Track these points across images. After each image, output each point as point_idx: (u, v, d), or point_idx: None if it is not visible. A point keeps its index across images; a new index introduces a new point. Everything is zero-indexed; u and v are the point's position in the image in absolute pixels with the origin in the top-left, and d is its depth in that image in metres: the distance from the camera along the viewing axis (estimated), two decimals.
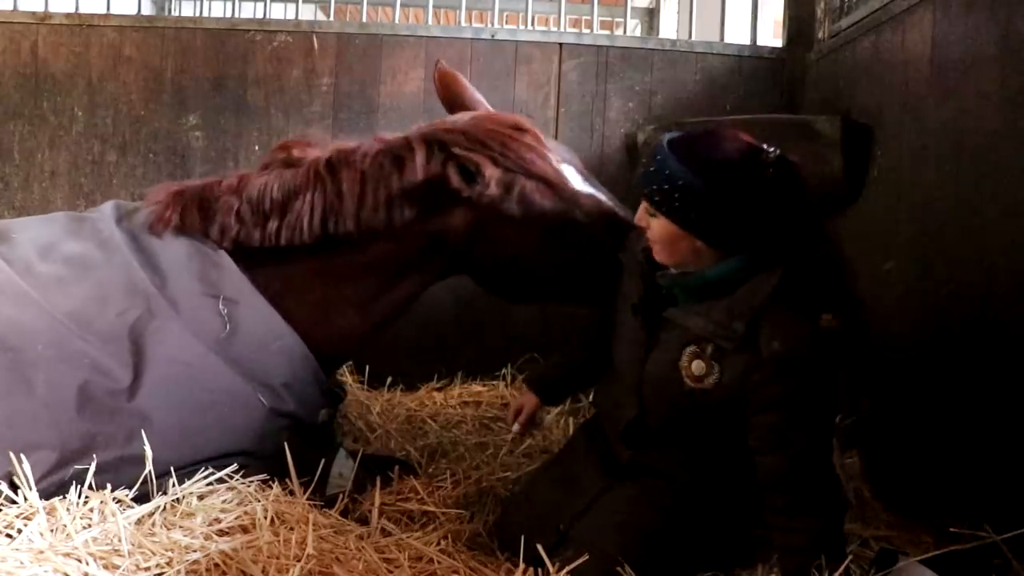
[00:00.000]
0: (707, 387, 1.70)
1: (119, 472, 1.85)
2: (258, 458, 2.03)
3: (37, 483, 1.78)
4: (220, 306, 2.07)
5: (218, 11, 5.65)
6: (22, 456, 1.77)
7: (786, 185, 1.63)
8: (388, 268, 2.23)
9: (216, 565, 1.59)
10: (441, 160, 2.12)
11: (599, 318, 2.11)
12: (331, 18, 3.86)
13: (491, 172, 2.09)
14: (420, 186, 2.12)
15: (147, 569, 1.58)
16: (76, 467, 1.82)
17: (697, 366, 1.69)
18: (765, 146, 1.66)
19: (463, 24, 4.25)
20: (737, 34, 3.95)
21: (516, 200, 2.14)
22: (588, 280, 2.15)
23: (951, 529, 1.81)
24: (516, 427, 2.20)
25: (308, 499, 1.89)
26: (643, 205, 1.76)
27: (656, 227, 1.72)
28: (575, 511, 1.86)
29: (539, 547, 1.70)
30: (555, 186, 2.17)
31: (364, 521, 1.94)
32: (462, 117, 2.28)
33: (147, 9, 3.91)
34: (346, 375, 3.14)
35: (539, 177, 2.15)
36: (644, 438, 1.86)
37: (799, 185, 1.65)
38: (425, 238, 2.19)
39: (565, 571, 1.64)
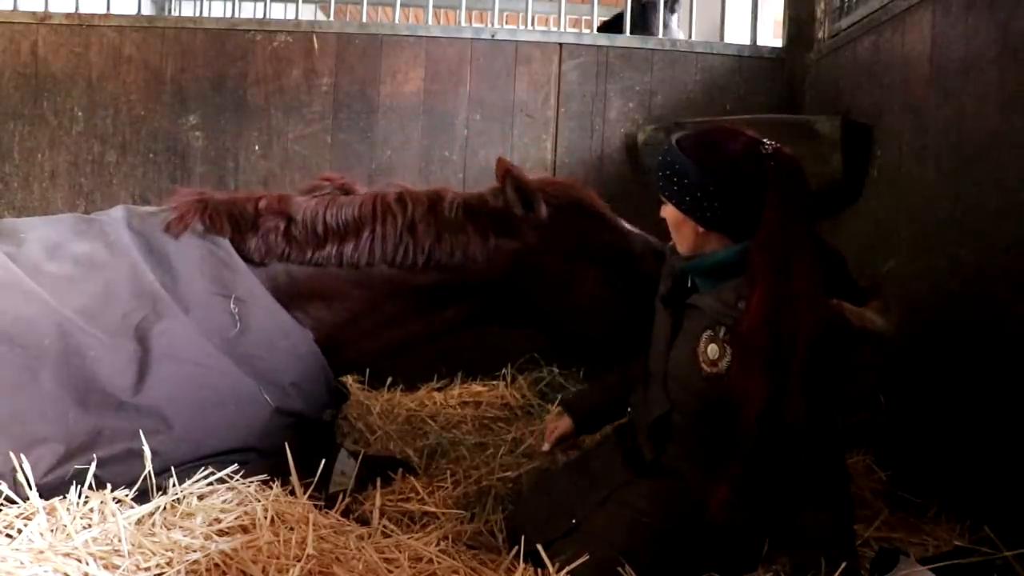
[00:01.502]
0: (721, 371, 1.72)
1: (126, 465, 1.86)
2: (261, 455, 2.04)
3: (44, 476, 1.79)
4: (231, 305, 2.09)
5: (218, 11, 5.66)
6: (22, 456, 1.77)
7: (781, 175, 1.66)
8: (429, 295, 2.26)
9: (216, 565, 1.59)
10: (505, 194, 2.21)
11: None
12: (331, 18, 3.86)
13: (543, 209, 2.21)
14: (487, 232, 2.21)
15: (147, 569, 1.58)
16: (82, 461, 1.83)
17: (712, 350, 1.73)
18: (765, 140, 1.72)
19: (463, 24, 4.26)
20: (737, 34, 3.95)
21: (571, 234, 2.22)
22: (639, 321, 2.11)
23: (956, 544, 1.82)
24: (546, 446, 2.21)
25: (309, 498, 1.89)
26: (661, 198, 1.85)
27: (667, 214, 1.82)
28: (592, 503, 1.89)
29: (539, 547, 1.70)
30: (608, 221, 2.26)
31: (364, 521, 1.94)
32: None
33: (147, 9, 3.91)
34: (346, 375, 3.14)
35: (593, 214, 2.26)
36: (669, 435, 1.88)
37: (797, 176, 1.69)
38: (475, 277, 2.23)
39: (565, 571, 1.64)
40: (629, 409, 2.11)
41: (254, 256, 2.19)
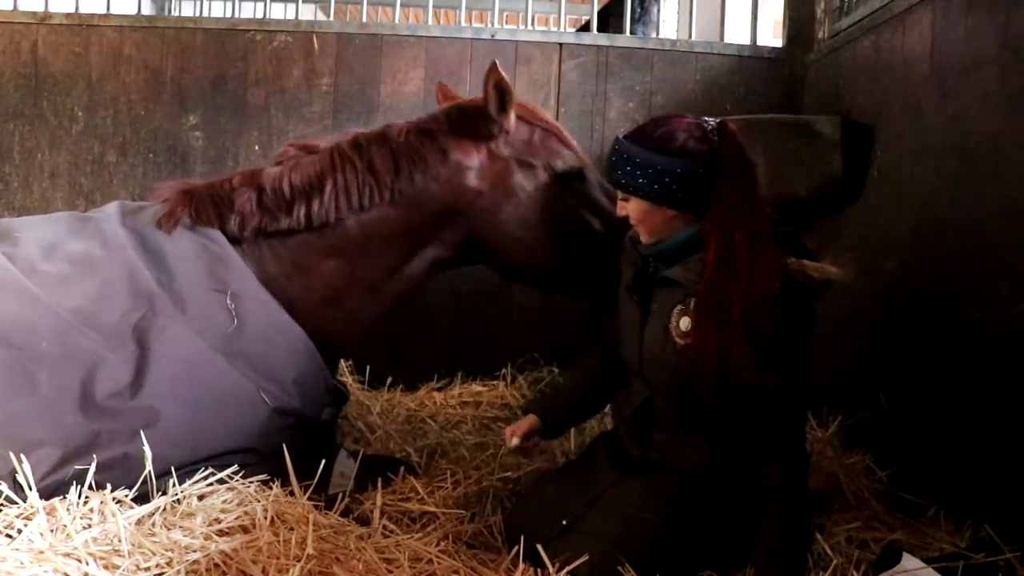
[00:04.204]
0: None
1: (123, 470, 1.86)
2: (261, 456, 2.04)
3: (40, 480, 1.78)
4: (227, 301, 2.09)
5: (218, 11, 5.65)
6: (22, 456, 1.77)
7: (726, 147, 1.78)
8: (403, 240, 2.27)
9: (216, 565, 1.59)
10: (487, 91, 2.24)
11: (604, 337, 2.15)
12: (331, 18, 3.85)
13: (512, 117, 2.26)
14: (446, 150, 2.24)
15: (147, 569, 1.58)
16: (80, 464, 1.82)
17: (684, 322, 1.79)
18: (706, 119, 1.84)
19: (463, 24, 4.25)
20: (737, 34, 3.95)
21: (538, 150, 2.28)
22: (596, 261, 2.23)
23: (960, 546, 1.82)
24: (515, 441, 2.04)
25: (309, 499, 1.89)
26: (619, 196, 1.90)
27: (631, 209, 1.87)
28: (582, 504, 1.90)
29: (539, 547, 1.71)
30: (565, 138, 2.33)
31: (364, 521, 1.94)
32: None
33: (147, 9, 3.90)
34: (346, 375, 3.14)
35: (555, 132, 2.32)
36: (655, 423, 1.90)
37: (739, 147, 1.79)
38: (442, 202, 2.25)
39: (565, 571, 1.64)
40: (611, 409, 2.13)
41: (235, 232, 2.21)
